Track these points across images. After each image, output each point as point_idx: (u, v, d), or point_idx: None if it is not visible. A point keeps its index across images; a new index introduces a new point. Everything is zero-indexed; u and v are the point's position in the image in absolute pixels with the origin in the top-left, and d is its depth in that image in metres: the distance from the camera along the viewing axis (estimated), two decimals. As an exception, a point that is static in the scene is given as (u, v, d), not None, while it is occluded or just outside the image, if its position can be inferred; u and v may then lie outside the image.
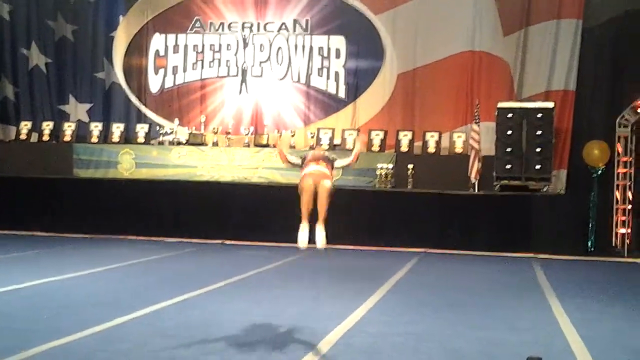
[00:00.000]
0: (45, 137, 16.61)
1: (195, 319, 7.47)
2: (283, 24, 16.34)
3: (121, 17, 16.90)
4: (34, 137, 16.72)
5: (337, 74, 16.13)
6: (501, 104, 14.38)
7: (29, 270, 10.29)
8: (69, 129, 16.55)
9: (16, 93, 17.22)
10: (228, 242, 14.46)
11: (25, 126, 16.77)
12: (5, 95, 17.18)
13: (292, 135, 15.72)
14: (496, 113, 14.32)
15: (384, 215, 14.38)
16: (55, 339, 6.37)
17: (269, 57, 16.39)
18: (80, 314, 7.52)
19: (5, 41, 17.26)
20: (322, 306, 8.38)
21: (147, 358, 5.93)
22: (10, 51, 17.24)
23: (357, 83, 16.03)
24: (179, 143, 15.88)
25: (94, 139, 16.35)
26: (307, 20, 16.22)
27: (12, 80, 17.22)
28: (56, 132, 16.62)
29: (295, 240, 7.01)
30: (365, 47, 15.97)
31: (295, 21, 16.28)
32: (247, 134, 15.85)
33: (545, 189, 14.21)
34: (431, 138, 15.30)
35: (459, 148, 15.18)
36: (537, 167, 14.03)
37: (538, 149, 14.03)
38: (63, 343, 6.29)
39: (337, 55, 16.14)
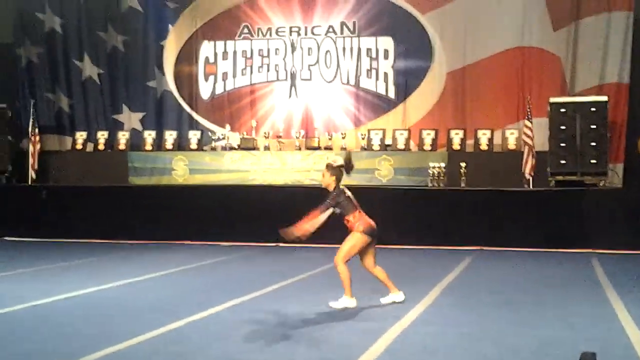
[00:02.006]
0: (101, 147, 16.91)
1: (252, 321, 7.51)
2: (330, 26, 16.37)
3: (170, 26, 17.11)
4: (90, 147, 17.02)
5: (385, 74, 16.10)
6: (553, 99, 14.20)
7: (87, 277, 10.46)
8: (123, 137, 16.82)
9: (70, 104, 17.53)
10: (282, 244, 14.51)
11: (80, 136, 17.07)
12: (59, 107, 17.51)
13: (343, 138, 15.75)
14: (549, 108, 14.14)
15: (438, 214, 14.28)
16: (113, 344, 6.46)
17: (317, 60, 16.44)
18: (137, 319, 7.62)
19: (58, 53, 17.59)
20: (376, 306, 8.36)
21: (210, 359, 6.00)
22: (64, 63, 17.56)
23: (407, 83, 15.98)
24: (231, 148, 16.02)
25: (148, 147, 16.60)
26: (354, 22, 16.23)
27: (67, 92, 17.54)
28: (111, 141, 16.90)
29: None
30: (414, 46, 15.92)
31: (342, 23, 16.30)
32: (298, 138, 15.91)
33: (602, 184, 13.98)
34: (483, 135, 15.18)
35: (511, 145, 15.04)
36: (593, 161, 13.82)
37: (593, 143, 13.82)
38: (120, 348, 6.37)
39: (386, 56, 16.11)
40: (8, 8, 17.66)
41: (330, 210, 8.06)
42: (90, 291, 9.37)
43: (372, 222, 8.18)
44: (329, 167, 8.19)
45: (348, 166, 8.18)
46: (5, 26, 17.57)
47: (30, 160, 16.56)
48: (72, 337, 6.85)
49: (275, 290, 9.50)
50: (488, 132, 15.16)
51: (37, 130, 16.81)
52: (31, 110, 16.89)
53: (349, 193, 8.19)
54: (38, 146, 16.77)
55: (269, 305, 8.40)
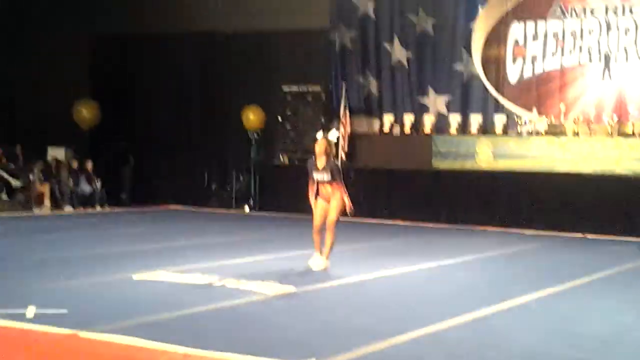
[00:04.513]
0: (407, 130, 17.19)
1: (561, 315, 7.31)
2: (651, 4, 15.30)
3: (480, 8, 16.90)
4: (396, 130, 17.40)
5: None
6: None
7: (394, 259, 10.68)
8: (428, 121, 16.99)
9: (379, 87, 18.00)
10: (590, 235, 13.92)
11: (388, 119, 17.49)
12: (369, 90, 18.04)
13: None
14: None
15: None
16: (424, 325, 6.57)
17: (635, 41, 15.43)
18: (443, 304, 7.69)
19: (369, 37, 18.08)
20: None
21: (515, 351, 5.90)
22: (374, 47, 18.05)
23: None
24: (537, 133, 15.58)
25: (453, 131, 16.62)
26: (679, -1, 15.04)
27: (376, 75, 18.02)
28: (416, 124, 17.15)
29: None
30: None
31: (665, 0, 15.17)
32: (610, 123, 15.09)
33: None
34: None
35: None
36: None
37: None
38: (429, 332, 6.46)
39: None
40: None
41: None
42: (397, 272, 9.60)
43: None
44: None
45: None
46: (322, 12, 18.40)
47: (341, 142, 17.26)
48: (387, 317, 7.07)
49: (583, 284, 9.12)
50: None
51: (347, 112, 17.51)
52: (343, 92, 17.62)
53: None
54: (348, 128, 17.47)
55: (578, 299, 8.11)
